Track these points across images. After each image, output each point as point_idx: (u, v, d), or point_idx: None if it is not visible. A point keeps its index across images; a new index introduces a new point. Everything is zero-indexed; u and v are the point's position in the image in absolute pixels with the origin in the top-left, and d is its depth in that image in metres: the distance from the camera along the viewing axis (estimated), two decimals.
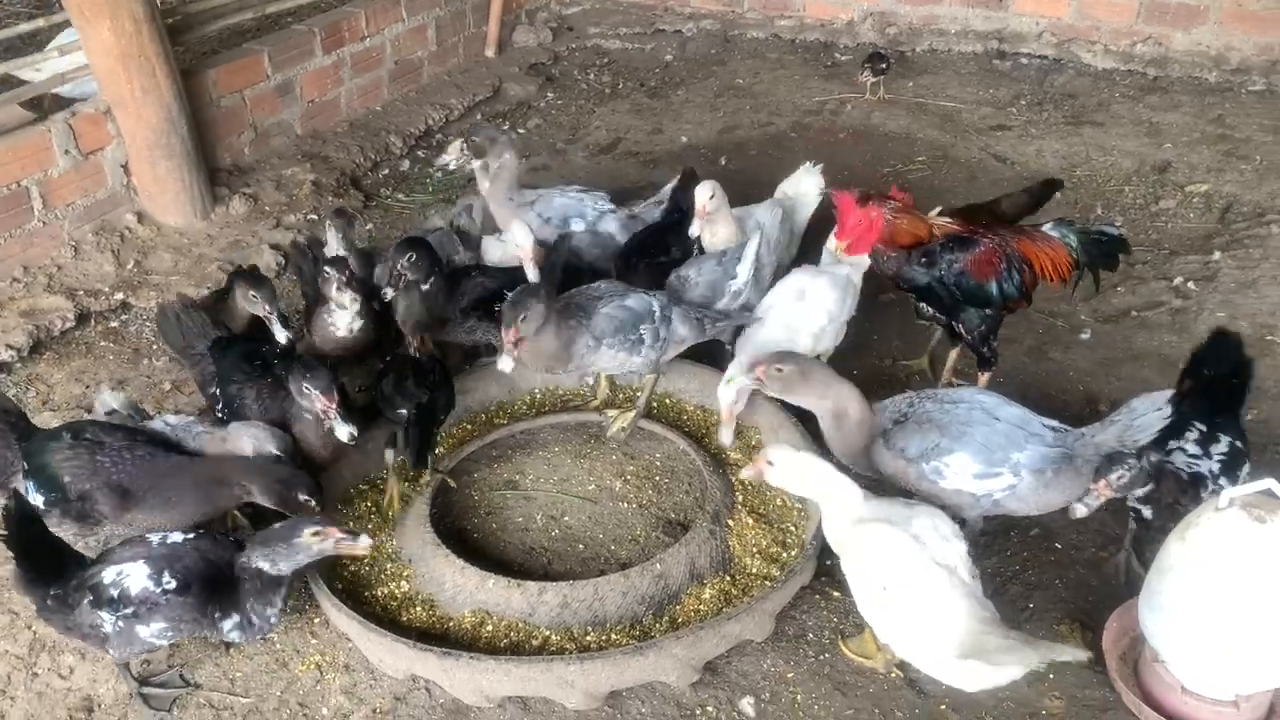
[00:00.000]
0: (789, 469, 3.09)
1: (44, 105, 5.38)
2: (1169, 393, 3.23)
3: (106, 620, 2.98)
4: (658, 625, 3.24)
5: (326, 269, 4.00)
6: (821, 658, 3.26)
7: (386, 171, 6.51)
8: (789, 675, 3.20)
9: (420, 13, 7.13)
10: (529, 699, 3.12)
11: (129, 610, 2.97)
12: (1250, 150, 6.22)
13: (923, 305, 4.05)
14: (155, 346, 4.78)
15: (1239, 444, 3.27)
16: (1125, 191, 5.93)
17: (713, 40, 8.43)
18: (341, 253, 4.38)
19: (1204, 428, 3.26)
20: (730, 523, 3.56)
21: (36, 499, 3.28)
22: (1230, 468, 3.20)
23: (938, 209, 4.13)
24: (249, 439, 3.44)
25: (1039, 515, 3.40)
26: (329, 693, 3.21)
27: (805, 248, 4.81)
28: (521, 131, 7.12)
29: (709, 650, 3.11)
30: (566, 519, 3.69)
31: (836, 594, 3.44)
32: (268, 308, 3.91)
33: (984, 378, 4.08)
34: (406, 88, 7.17)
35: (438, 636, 3.23)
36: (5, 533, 3.04)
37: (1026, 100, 7.13)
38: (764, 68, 7.92)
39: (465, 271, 4.32)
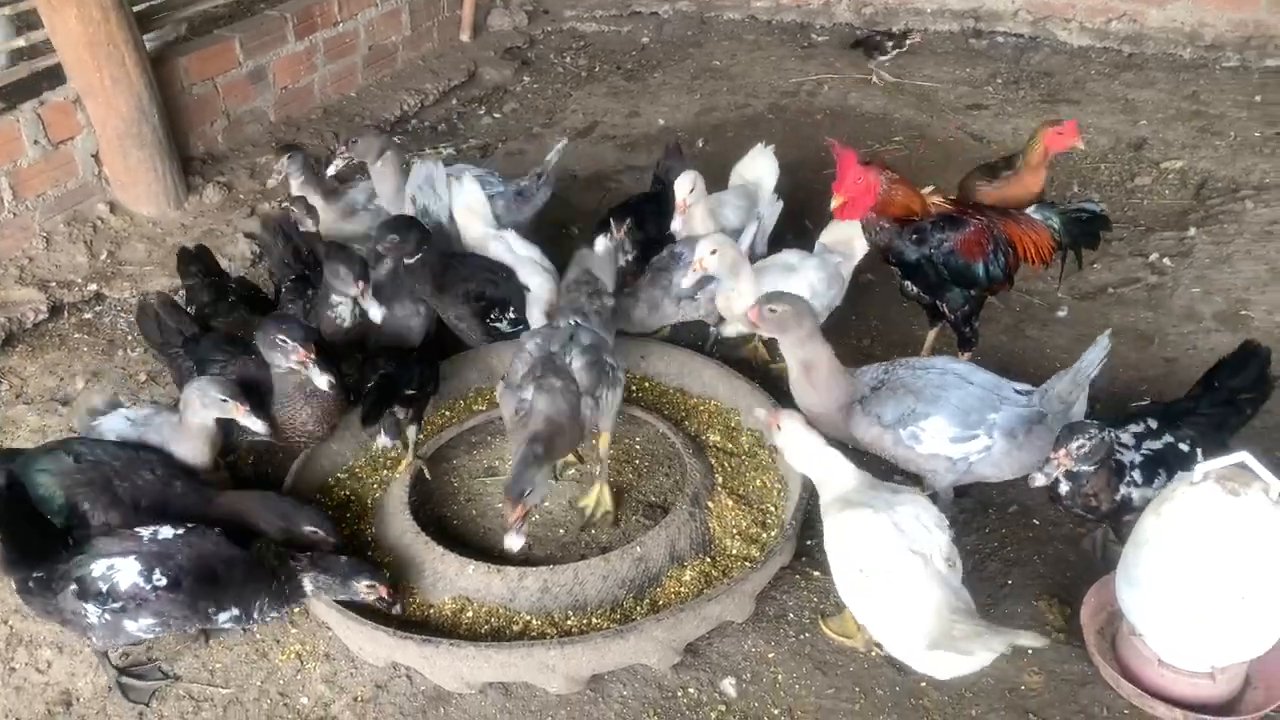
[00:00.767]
0: (794, 437, 3.12)
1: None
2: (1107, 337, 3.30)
3: (92, 612, 2.95)
4: (638, 608, 3.24)
5: (333, 263, 3.89)
6: (802, 637, 3.27)
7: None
8: (770, 655, 3.21)
9: None
10: (510, 684, 3.12)
11: (117, 605, 2.95)
12: (1224, 126, 6.24)
13: (907, 283, 4.05)
14: (130, 337, 4.73)
15: (1183, 447, 3.20)
16: (1101, 169, 5.95)
17: (689, 22, 8.39)
18: (308, 192, 4.49)
19: (1154, 424, 3.25)
20: (710, 505, 3.56)
21: None
22: (1151, 466, 3.16)
23: (930, 187, 4.13)
24: (196, 395, 3.39)
25: (1014, 486, 3.43)
26: (309, 681, 3.20)
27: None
28: (498, 116, 7.08)
29: (690, 632, 3.12)
30: (546, 504, 3.68)
31: (816, 574, 3.45)
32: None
33: (964, 357, 4.09)
34: (381, 73, 7.12)
35: (418, 623, 3.22)
36: None
37: (1003, 79, 7.14)
38: (741, 49, 7.89)
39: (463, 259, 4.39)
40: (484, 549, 3.52)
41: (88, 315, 4.94)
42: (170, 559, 2.99)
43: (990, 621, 2.85)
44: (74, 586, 2.96)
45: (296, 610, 3.38)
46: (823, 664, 3.18)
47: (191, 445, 3.47)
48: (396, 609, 3.11)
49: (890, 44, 7.11)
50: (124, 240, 5.30)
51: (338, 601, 3.12)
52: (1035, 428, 3.32)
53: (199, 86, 5.83)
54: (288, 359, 3.42)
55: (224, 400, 3.37)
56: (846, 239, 4.31)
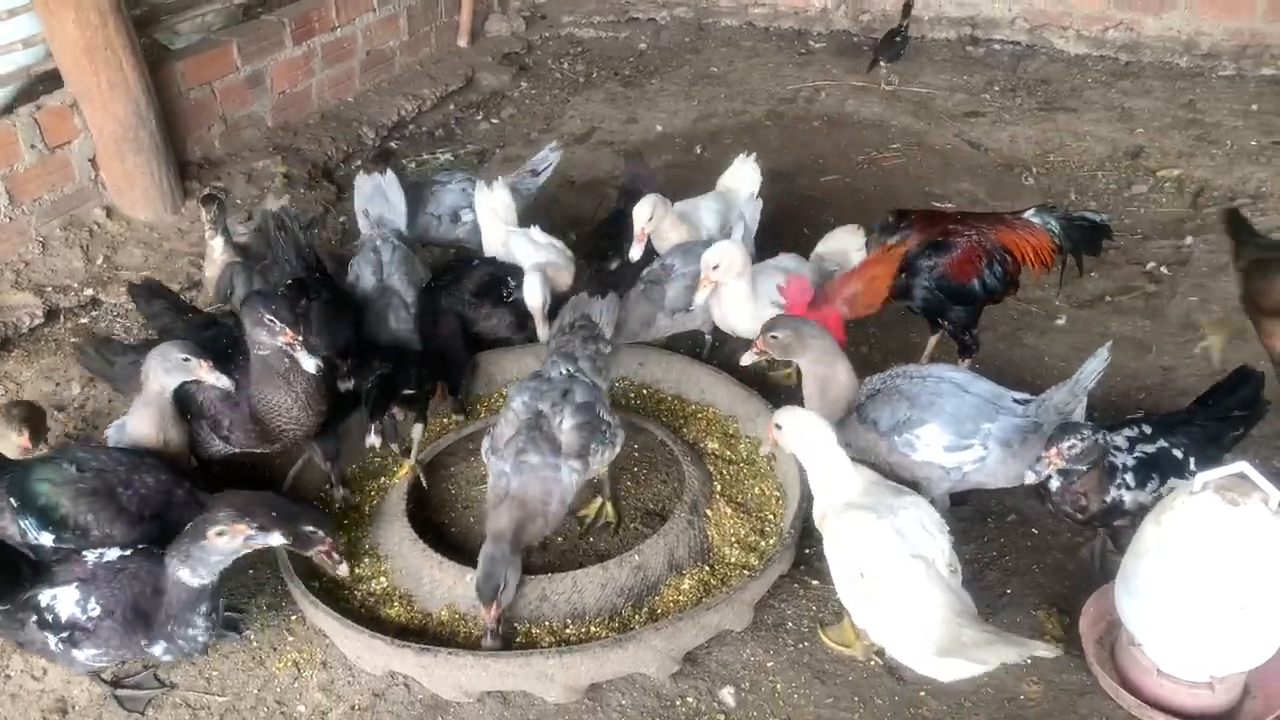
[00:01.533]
0: (803, 427, 3.08)
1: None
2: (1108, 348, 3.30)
3: (51, 640, 2.91)
4: (637, 617, 3.23)
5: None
6: (801, 646, 3.26)
7: (359, 163, 6.44)
8: (768, 664, 3.20)
9: (392, 2, 7.05)
10: (508, 693, 3.11)
11: (64, 634, 2.90)
12: (1221, 135, 6.26)
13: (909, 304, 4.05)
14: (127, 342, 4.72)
15: (1177, 453, 3.19)
16: (1098, 177, 5.96)
17: (686, 28, 8.40)
18: (219, 243, 4.24)
19: (1148, 429, 3.25)
20: (708, 512, 3.56)
21: (44, 538, 3.15)
22: (1145, 470, 3.15)
23: (897, 239, 3.97)
24: (157, 359, 3.33)
25: (1013, 494, 3.43)
26: (306, 690, 3.18)
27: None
28: (495, 121, 7.08)
29: (688, 641, 3.11)
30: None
31: (815, 582, 3.44)
32: None
33: (965, 364, 4.10)
34: (378, 78, 7.11)
35: (416, 632, 3.21)
36: None
37: (1000, 86, 7.15)
38: (738, 56, 7.90)
39: (467, 262, 4.40)
40: None
41: (84, 320, 4.93)
42: (107, 585, 2.89)
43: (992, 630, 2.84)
44: (34, 616, 2.91)
45: (294, 618, 3.38)
46: (822, 673, 3.18)
47: (143, 415, 3.39)
48: (275, 535, 2.91)
49: (898, 39, 7.09)
50: (120, 245, 5.29)
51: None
52: (1030, 437, 3.31)
53: (196, 91, 5.82)
54: (274, 339, 3.28)
55: (186, 359, 3.30)
56: (842, 251, 4.32)
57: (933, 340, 4.31)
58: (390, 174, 4.67)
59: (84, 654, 2.93)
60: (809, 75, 7.48)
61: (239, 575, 3.45)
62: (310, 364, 3.30)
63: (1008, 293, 4.03)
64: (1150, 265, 5.06)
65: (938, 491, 3.39)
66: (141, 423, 3.42)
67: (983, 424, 3.30)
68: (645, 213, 4.22)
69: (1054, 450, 3.04)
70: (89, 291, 4.97)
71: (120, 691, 3.15)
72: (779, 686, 3.14)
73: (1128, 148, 6.21)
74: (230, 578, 3.18)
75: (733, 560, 3.43)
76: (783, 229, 4.88)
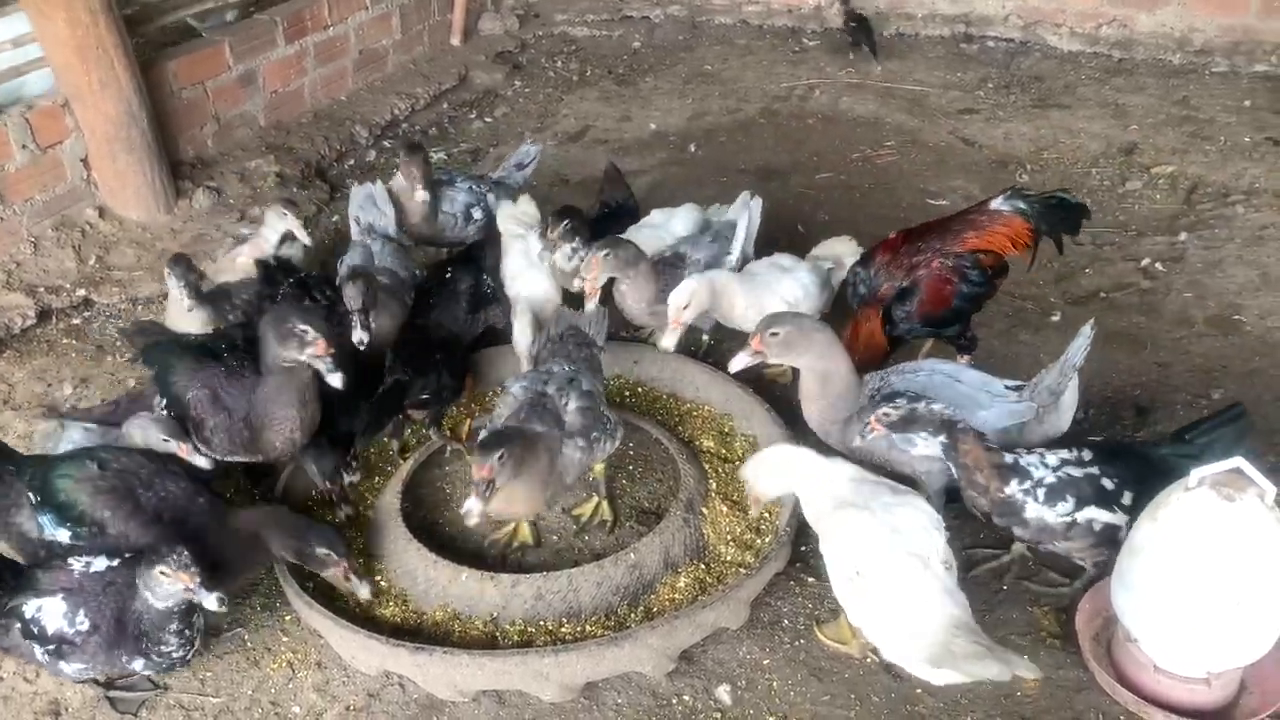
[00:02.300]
0: (767, 471, 3.13)
1: None
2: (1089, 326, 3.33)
3: (37, 650, 2.90)
4: (633, 615, 3.23)
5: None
6: (797, 644, 3.26)
7: (352, 162, 6.44)
8: (765, 662, 3.20)
9: (384, 0, 7.04)
10: (504, 692, 3.10)
11: (51, 646, 2.89)
12: (1214, 131, 6.26)
13: None
14: (119, 344, 4.70)
15: (1107, 484, 3.08)
16: (1092, 174, 5.95)
17: (680, 26, 8.39)
18: (184, 297, 3.94)
19: (1088, 456, 3.14)
20: (704, 510, 3.55)
21: (60, 534, 3.15)
22: (1060, 490, 3.07)
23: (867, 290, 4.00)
24: (138, 430, 3.35)
25: None
26: (301, 690, 3.17)
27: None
28: (489, 120, 7.07)
29: (684, 639, 3.10)
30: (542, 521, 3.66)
31: (811, 580, 3.43)
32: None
33: (964, 360, 4.10)
34: (371, 77, 7.09)
35: (411, 631, 3.20)
36: None
37: (994, 83, 7.15)
38: (732, 54, 7.89)
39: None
40: (478, 556, 3.50)
41: (76, 321, 4.91)
42: (94, 599, 2.87)
43: (988, 633, 2.83)
44: (19, 624, 2.89)
45: (288, 618, 3.36)
46: (818, 670, 3.17)
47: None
48: (212, 598, 2.82)
49: (853, 24, 7.31)
50: (113, 245, 5.27)
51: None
52: (1030, 423, 3.36)
53: (188, 90, 5.80)
54: (303, 351, 3.19)
55: (165, 440, 3.30)
56: (837, 254, 4.32)
57: (929, 341, 4.31)
58: (379, 185, 4.64)
59: (71, 667, 2.93)
60: (803, 73, 7.47)
61: None
62: (336, 379, 3.26)
63: (996, 285, 4.02)
64: (1145, 261, 5.06)
65: (937, 486, 3.39)
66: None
67: (978, 412, 3.32)
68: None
69: (872, 418, 3.18)
70: (81, 292, 4.95)
71: (113, 693, 3.14)
72: (775, 684, 3.13)
73: (1122, 144, 6.22)
74: None
75: (728, 558, 3.42)
76: (777, 227, 4.87)
